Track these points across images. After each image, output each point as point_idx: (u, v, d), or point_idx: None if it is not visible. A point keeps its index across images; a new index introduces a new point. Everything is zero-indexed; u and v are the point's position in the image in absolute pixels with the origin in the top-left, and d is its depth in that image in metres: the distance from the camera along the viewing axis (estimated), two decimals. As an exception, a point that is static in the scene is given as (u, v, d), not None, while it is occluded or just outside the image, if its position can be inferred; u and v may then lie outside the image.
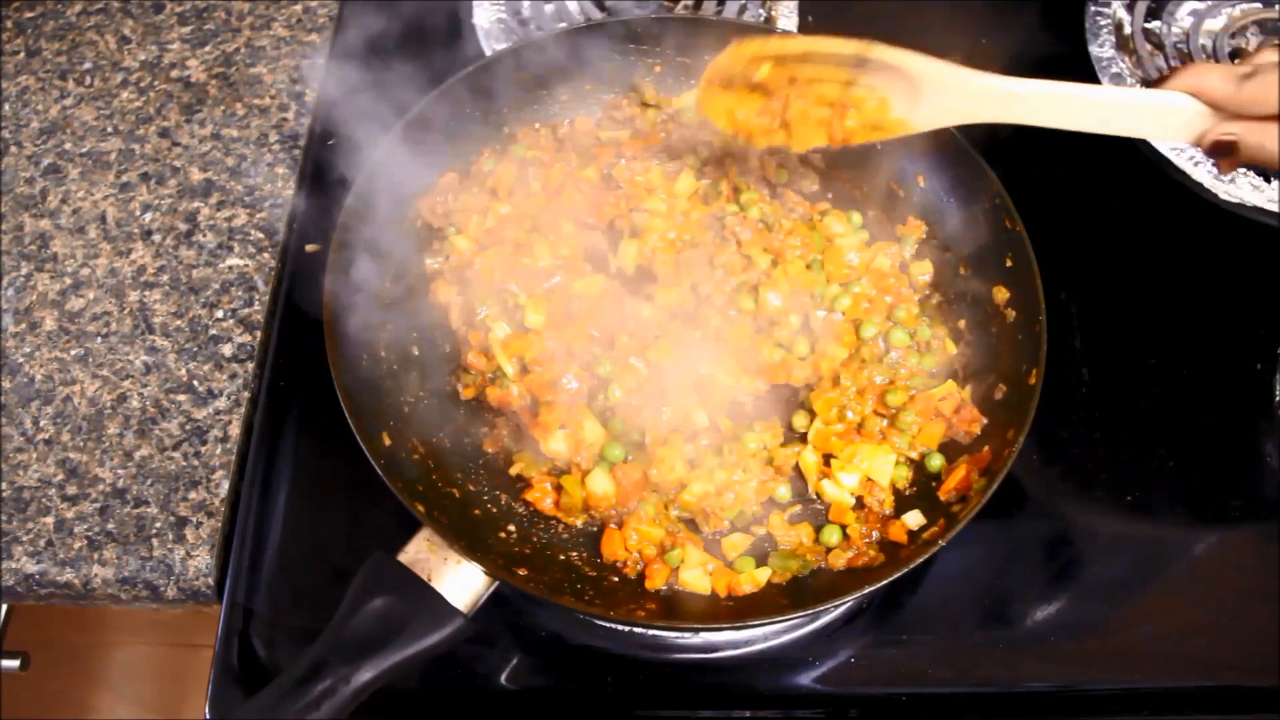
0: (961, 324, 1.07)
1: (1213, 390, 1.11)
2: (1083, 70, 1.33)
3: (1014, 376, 0.99)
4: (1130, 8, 1.39)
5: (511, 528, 0.96)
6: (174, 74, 1.30)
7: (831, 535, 0.96)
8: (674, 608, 0.92)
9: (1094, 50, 1.34)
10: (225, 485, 1.03)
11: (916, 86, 0.93)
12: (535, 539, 0.96)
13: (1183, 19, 1.39)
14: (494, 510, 0.97)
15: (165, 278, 1.15)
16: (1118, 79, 1.31)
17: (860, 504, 0.98)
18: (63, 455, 1.04)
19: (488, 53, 1.30)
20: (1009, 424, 0.95)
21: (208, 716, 0.91)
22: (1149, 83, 1.31)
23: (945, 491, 0.96)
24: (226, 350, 1.10)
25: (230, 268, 1.15)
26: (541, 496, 0.97)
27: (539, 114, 1.18)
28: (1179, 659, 0.97)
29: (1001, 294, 1.04)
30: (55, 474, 1.03)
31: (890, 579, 0.87)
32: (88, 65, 1.30)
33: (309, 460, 1.04)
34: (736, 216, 1.11)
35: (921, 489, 0.99)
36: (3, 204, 1.19)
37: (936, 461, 0.99)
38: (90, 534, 1.00)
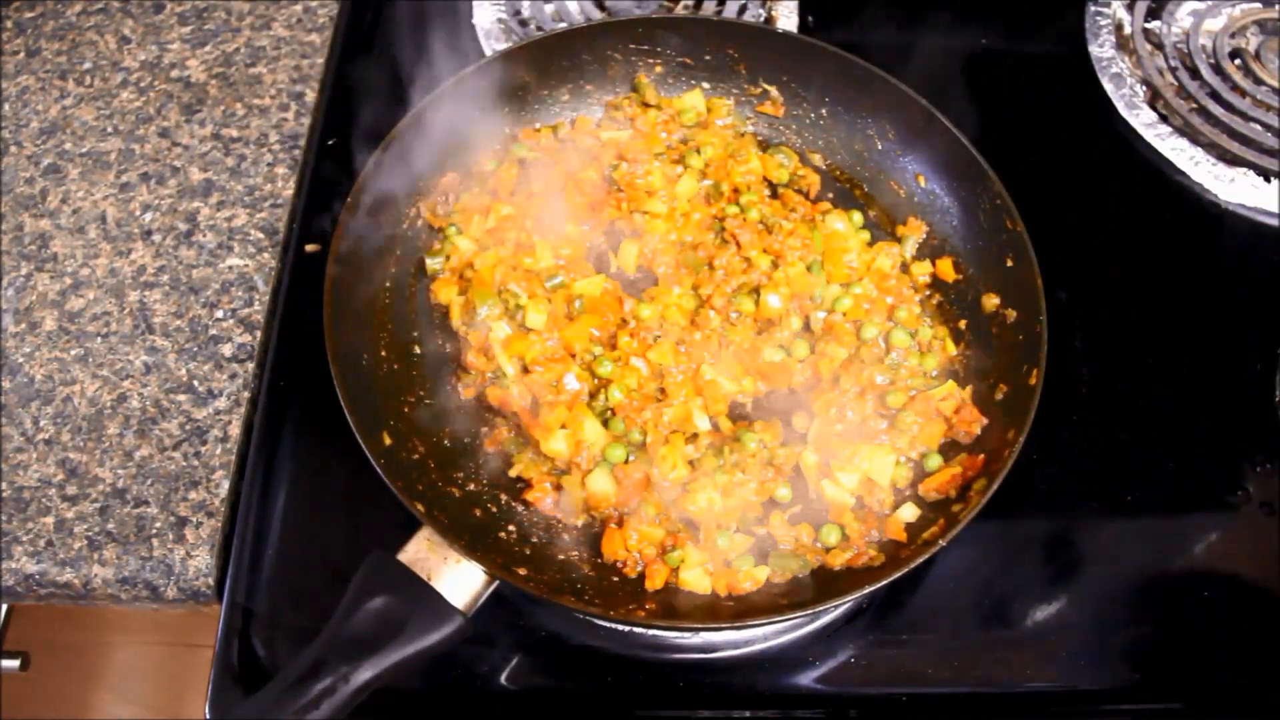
0: (962, 324, 1.07)
1: (1213, 390, 1.11)
2: (1083, 70, 1.33)
3: (1014, 377, 0.99)
4: (1130, 8, 1.39)
5: (511, 528, 0.96)
6: (174, 74, 1.30)
7: (831, 535, 0.96)
8: (674, 608, 0.91)
9: (1094, 50, 1.34)
10: (225, 485, 1.03)
11: None
12: (535, 539, 0.96)
13: (1183, 19, 1.39)
14: (494, 510, 0.97)
15: (165, 278, 1.15)
16: (1118, 79, 1.31)
17: (860, 504, 0.98)
18: (63, 455, 1.04)
19: (488, 53, 1.30)
20: (1009, 424, 0.95)
21: (208, 716, 0.90)
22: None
23: (926, 488, 0.96)
24: (226, 350, 1.10)
25: (230, 268, 1.15)
26: (541, 496, 0.97)
27: (540, 114, 1.18)
28: (1179, 659, 0.97)
29: (1002, 294, 1.04)
30: (55, 474, 1.03)
31: (890, 579, 0.87)
32: (88, 65, 1.30)
33: (309, 460, 1.04)
34: (736, 219, 1.11)
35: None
36: (3, 204, 1.19)
37: (935, 462, 0.99)
38: (90, 534, 1.00)
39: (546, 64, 1.15)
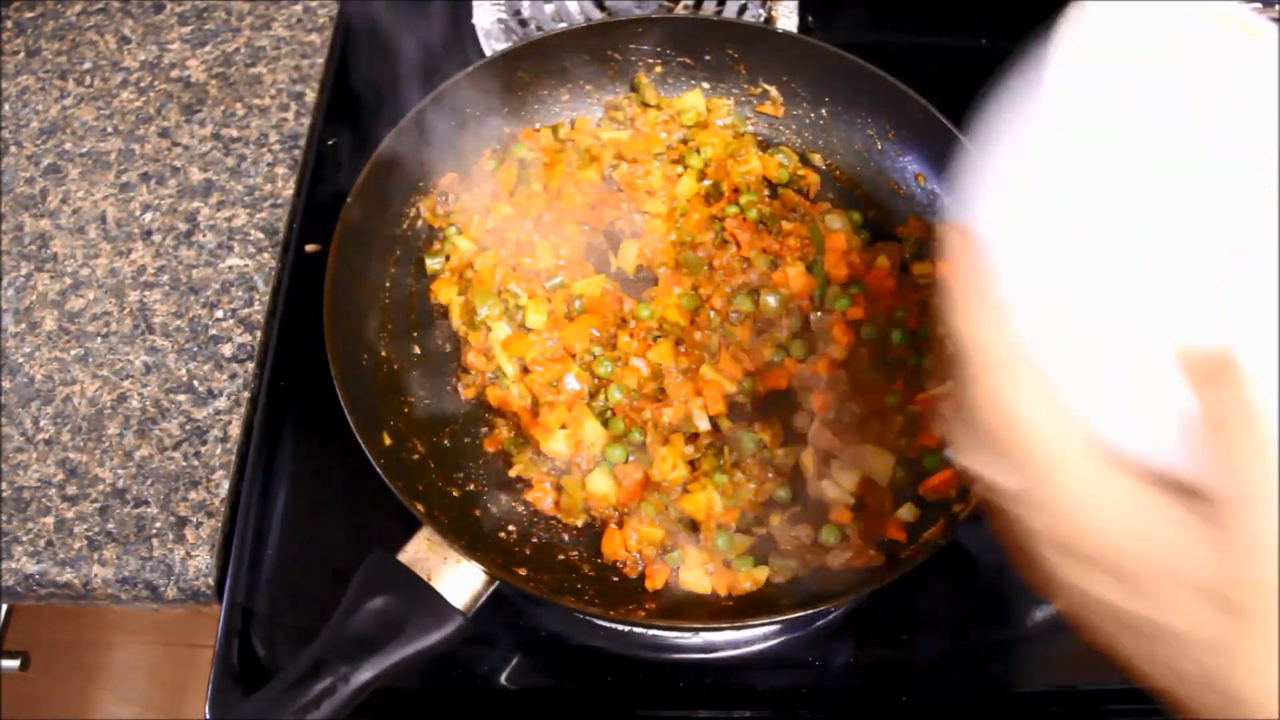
0: (962, 324, 1.07)
1: (1213, 390, 1.11)
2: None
3: (1014, 376, 0.98)
4: (1130, 8, 1.39)
5: (511, 528, 0.96)
6: (174, 74, 1.30)
7: (831, 535, 0.96)
8: (674, 608, 0.92)
9: (1094, 50, 1.34)
10: (225, 485, 1.03)
11: None
12: (535, 539, 0.96)
13: (1183, 19, 1.39)
14: (494, 510, 0.97)
15: (165, 278, 1.15)
16: (1118, 79, 1.31)
17: (860, 504, 0.98)
18: (63, 455, 1.04)
19: (488, 53, 1.30)
20: (1009, 424, 0.95)
21: (208, 716, 0.90)
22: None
23: (926, 488, 0.96)
24: (226, 350, 1.10)
25: (230, 268, 1.15)
26: (541, 496, 0.97)
27: (539, 114, 1.18)
28: (1179, 659, 0.97)
29: (1001, 294, 1.04)
30: (55, 474, 1.03)
31: (890, 579, 0.87)
32: (88, 65, 1.30)
33: (309, 460, 1.04)
34: (736, 218, 1.11)
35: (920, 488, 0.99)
36: (3, 204, 1.19)
37: (934, 462, 0.99)
38: (90, 534, 1.00)
39: (546, 64, 1.15)
